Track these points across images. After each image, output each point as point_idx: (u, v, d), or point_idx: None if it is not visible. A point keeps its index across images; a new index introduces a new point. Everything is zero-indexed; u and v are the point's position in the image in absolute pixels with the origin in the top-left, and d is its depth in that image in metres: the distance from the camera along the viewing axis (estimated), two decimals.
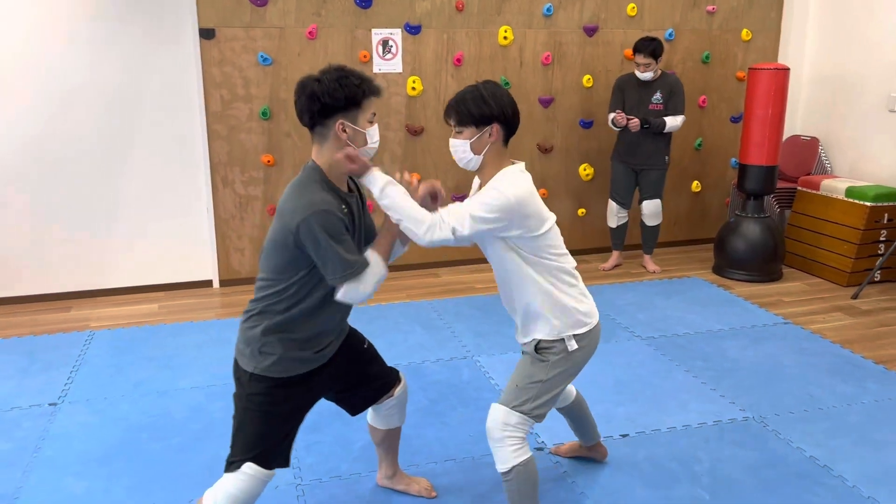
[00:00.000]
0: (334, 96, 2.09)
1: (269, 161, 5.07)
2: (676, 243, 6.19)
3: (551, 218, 2.29)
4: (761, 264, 5.27)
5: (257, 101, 4.99)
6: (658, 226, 5.50)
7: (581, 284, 2.38)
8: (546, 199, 5.74)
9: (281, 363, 2.18)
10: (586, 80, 5.63)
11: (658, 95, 5.15)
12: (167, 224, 5.03)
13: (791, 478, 2.84)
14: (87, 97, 4.69)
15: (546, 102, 5.59)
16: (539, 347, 2.34)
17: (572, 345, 2.31)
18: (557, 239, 2.30)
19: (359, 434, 3.15)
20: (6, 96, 4.55)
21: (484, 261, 5.71)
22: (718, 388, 3.58)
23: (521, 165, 2.30)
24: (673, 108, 5.15)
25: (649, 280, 5.31)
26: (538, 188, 5.71)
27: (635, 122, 5.06)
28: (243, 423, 2.21)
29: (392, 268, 5.73)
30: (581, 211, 5.87)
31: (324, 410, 3.32)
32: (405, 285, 5.23)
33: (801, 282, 5.28)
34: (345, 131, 2.12)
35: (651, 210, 5.39)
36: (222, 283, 5.22)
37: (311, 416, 3.26)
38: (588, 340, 2.36)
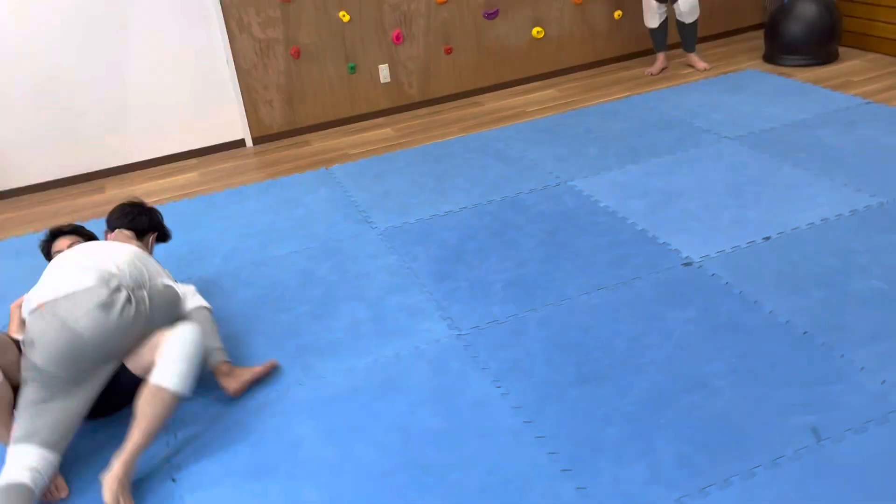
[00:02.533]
0: None
1: None
2: (715, 37, 5.83)
3: None
4: (818, 47, 5.00)
5: None
6: (697, 21, 5.12)
7: None
8: (579, 4, 5.28)
9: None
10: None
11: None
12: (187, 84, 4.52)
13: None
14: None
15: None
16: None
17: None
18: None
19: (495, 275, 2.97)
20: None
21: (525, 81, 5.34)
22: (835, 178, 3.43)
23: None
24: None
25: (704, 79, 5.02)
26: None
27: None
28: None
29: (428, 103, 5.22)
30: (617, 14, 5.43)
31: (447, 257, 3.13)
32: (451, 119, 4.87)
33: (859, 60, 5.04)
34: None
35: (688, 6, 4.98)
36: (255, 140, 4.81)
37: (434, 265, 3.09)
38: None
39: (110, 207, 4.09)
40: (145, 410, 2.11)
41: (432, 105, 5.15)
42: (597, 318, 2.63)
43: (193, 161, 4.66)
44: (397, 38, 4.87)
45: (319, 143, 4.74)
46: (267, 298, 3.00)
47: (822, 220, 3.10)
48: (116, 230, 2.84)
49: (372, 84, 4.94)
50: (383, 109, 5.04)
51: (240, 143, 4.80)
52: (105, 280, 2.29)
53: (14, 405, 2.18)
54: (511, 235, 3.27)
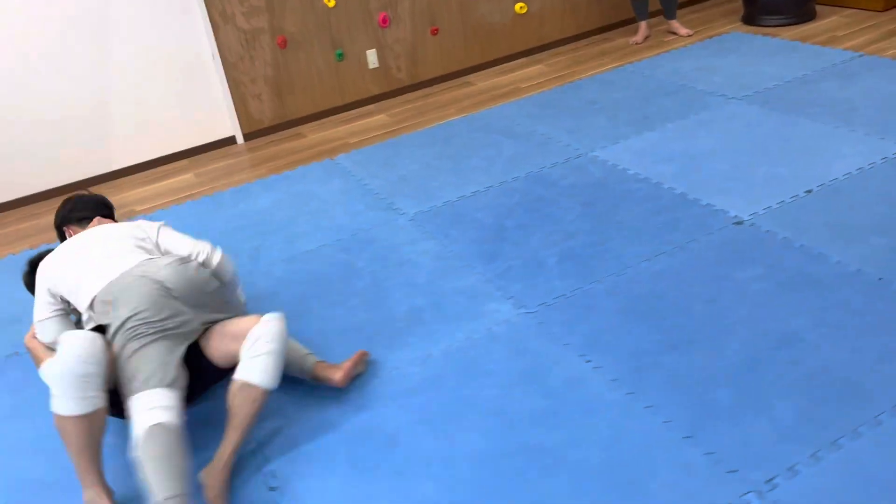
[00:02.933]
0: None
1: None
2: (688, 3, 5.87)
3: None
4: (797, 5, 5.07)
5: None
6: None
7: None
8: None
9: None
10: None
11: None
12: (172, 82, 4.29)
13: None
14: None
15: None
16: None
17: None
18: None
19: (545, 250, 2.90)
20: None
21: (512, 58, 5.27)
22: (855, 128, 3.47)
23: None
24: None
25: (690, 44, 5.04)
26: None
27: None
28: None
29: (417, 86, 5.11)
30: None
31: (488, 237, 3.04)
32: (445, 101, 4.77)
33: (838, 16, 5.13)
34: None
35: None
36: (246, 136, 4.61)
37: (477, 246, 2.99)
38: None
39: (119, 214, 3.93)
40: (238, 409, 2.01)
41: (422, 88, 5.03)
42: (665, 284, 2.58)
43: (185, 162, 4.44)
44: (384, 21, 4.73)
45: (314, 134, 4.57)
46: (312, 294, 2.86)
47: (857, 169, 3.13)
48: (97, 218, 2.61)
49: (360, 71, 4.80)
50: (373, 96, 4.90)
51: (230, 141, 4.59)
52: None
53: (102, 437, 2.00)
54: (547, 210, 3.20)
